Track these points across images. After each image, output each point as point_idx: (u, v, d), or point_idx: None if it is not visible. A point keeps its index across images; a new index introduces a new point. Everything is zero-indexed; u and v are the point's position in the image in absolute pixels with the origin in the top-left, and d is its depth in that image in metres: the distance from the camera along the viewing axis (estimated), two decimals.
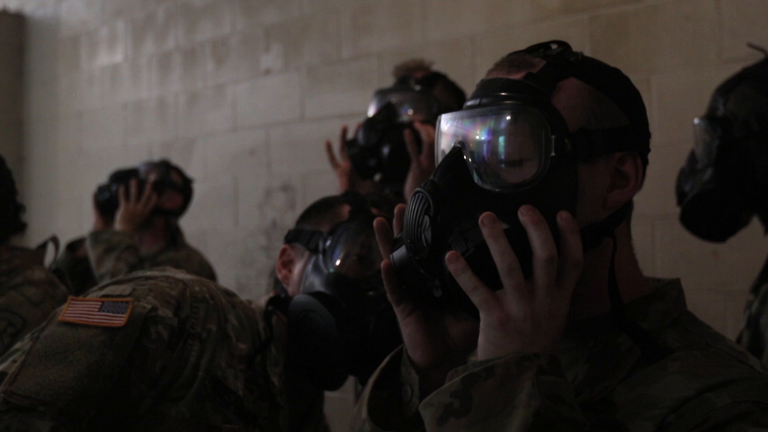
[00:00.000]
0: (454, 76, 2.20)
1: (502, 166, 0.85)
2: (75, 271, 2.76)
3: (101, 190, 2.85)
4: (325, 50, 3.28)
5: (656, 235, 2.31)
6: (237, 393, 1.21)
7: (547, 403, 0.73)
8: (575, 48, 0.93)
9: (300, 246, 1.37)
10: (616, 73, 0.92)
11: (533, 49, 0.92)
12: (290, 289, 1.36)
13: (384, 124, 1.95)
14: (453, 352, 0.92)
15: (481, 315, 0.80)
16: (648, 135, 0.92)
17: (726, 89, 1.70)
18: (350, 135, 2.07)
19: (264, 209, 3.51)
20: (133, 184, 2.78)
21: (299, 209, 3.33)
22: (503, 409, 0.74)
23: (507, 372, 0.75)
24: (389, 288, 0.91)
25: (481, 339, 0.80)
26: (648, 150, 0.91)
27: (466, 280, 0.80)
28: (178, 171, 2.96)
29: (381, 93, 2.06)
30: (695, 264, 2.25)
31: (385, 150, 1.93)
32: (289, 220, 3.39)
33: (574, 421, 0.74)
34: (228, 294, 1.30)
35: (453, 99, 2.06)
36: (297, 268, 1.36)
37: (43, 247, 2.04)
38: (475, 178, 0.85)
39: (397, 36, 3.03)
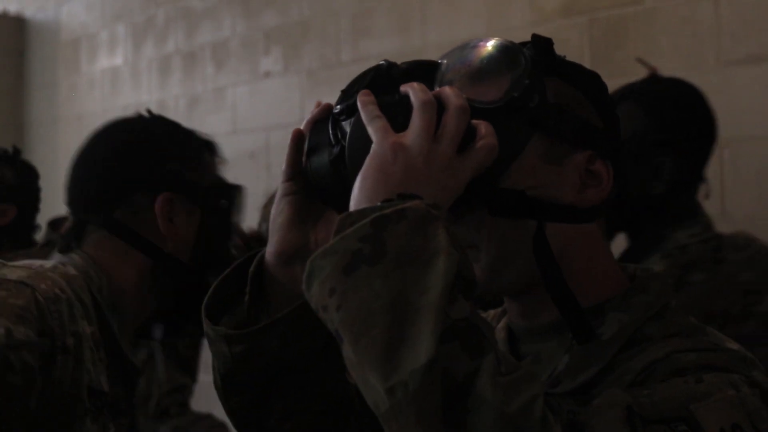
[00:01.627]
0: None
1: (467, 80, 0.83)
2: (52, 249, 2.75)
3: None
4: (324, 53, 3.29)
5: None
6: (104, 391, 1.06)
7: (462, 252, 0.69)
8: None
9: None
10: (596, 77, 0.91)
11: None
12: None
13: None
14: (310, 252, 0.84)
15: (375, 141, 0.74)
16: (620, 145, 0.90)
17: None
18: None
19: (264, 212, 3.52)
20: None
21: None
22: (421, 256, 0.67)
23: (419, 216, 0.68)
24: (290, 157, 0.86)
25: (364, 165, 0.74)
26: (618, 159, 0.89)
27: (369, 111, 0.75)
28: None
29: None
30: None
31: None
32: None
33: (473, 281, 0.70)
34: (59, 271, 1.11)
35: None
36: None
37: (46, 245, 2.07)
38: (438, 78, 0.83)
39: (396, 39, 3.03)
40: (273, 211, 0.87)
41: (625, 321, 0.84)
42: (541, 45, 0.87)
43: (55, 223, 2.85)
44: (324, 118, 0.85)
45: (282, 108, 3.45)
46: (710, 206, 2.24)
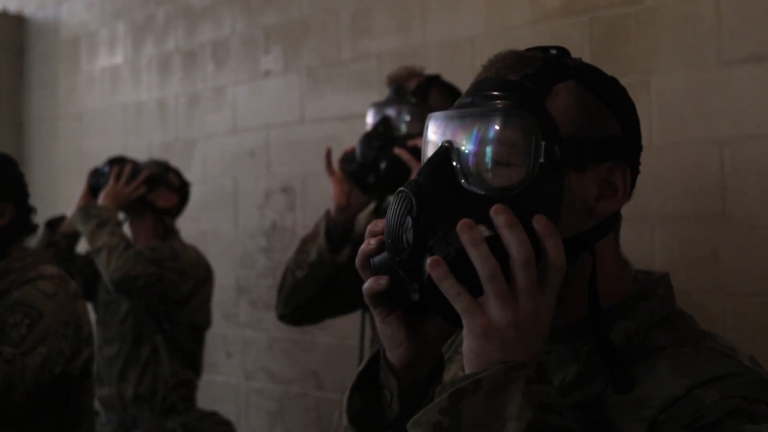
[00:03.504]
0: (453, 77, 2.20)
1: (489, 168, 0.83)
2: (57, 249, 2.75)
3: (96, 172, 2.86)
4: (324, 52, 3.28)
5: (656, 236, 2.31)
6: None
7: (539, 413, 0.72)
8: (575, 49, 0.93)
9: None
10: (614, 82, 0.90)
11: (531, 51, 0.91)
12: None
13: (381, 140, 1.96)
14: (431, 346, 0.90)
15: (464, 322, 0.78)
16: (640, 148, 0.90)
17: None
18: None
19: (264, 211, 3.51)
20: (128, 167, 2.80)
21: (299, 211, 3.33)
22: (494, 423, 0.72)
23: (495, 384, 0.73)
24: (369, 296, 0.89)
25: (465, 348, 0.79)
26: (638, 163, 0.90)
27: (448, 287, 0.78)
28: (177, 173, 2.97)
29: (377, 106, 2.06)
30: (695, 265, 2.25)
31: (383, 165, 1.94)
32: (289, 222, 3.40)
33: (564, 429, 0.73)
34: None
35: (449, 101, 2.06)
36: None
37: (49, 246, 2.08)
38: (461, 179, 0.83)
39: (396, 37, 3.03)
40: (381, 332, 0.91)
41: (631, 329, 0.85)
42: (555, 57, 0.87)
43: (53, 223, 2.86)
44: (377, 252, 0.88)
45: (282, 106, 3.44)
46: (710, 206, 2.24)
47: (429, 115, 0.91)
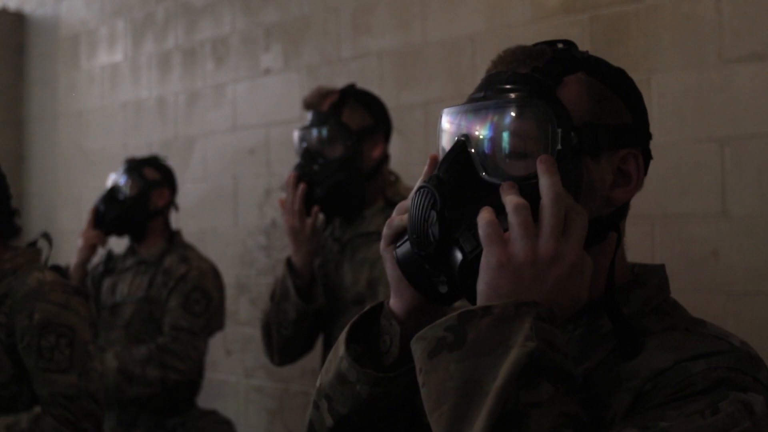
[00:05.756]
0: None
1: (508, 159, 0.84)
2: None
3: (97, 210, 2.85)
4: (324, 50, 3.28)
5: (656, 235, 2.31)
6: None
7: (543, 346, 0.73)
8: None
9: None
10: (621, 72, 0.93)
11: (539, 45, 0.93)
12: None
13: (308, 176, 2.13)
14: (431, 306, 0.92)
15: (484, 252, 0.79)
16: (649, 136, 0.92)
17: None
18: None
19: (264, 209, 3.51)
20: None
21: None
22: (497, 348, 0.73)
23: (504, 313, 0.75)
24: (388, 234, 0.93)
25: (479, 281, 0.80)
26: (649, 149, 0.92)
27: (486, 221, 0.79)
28: (149, 165, 2.93)
29: (300, 131, 2.18)
30: (695, 264, 2.25)
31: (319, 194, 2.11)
32: None
33: (565, 371, 0.74)
34: None
35: (365, 112, 2.14)
36: None
37: (34, 244, 2.04)
38: (481, 171, 0.84)
39: (396, 36, 3.03)
40: (390, 275, 0.92)
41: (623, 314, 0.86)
42: (564, 49, 0.89)
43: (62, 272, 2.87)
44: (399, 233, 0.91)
45: (282, 104, 3.44)
46: (711, 204, 2.24)
47: (443, 110, 0.92)
